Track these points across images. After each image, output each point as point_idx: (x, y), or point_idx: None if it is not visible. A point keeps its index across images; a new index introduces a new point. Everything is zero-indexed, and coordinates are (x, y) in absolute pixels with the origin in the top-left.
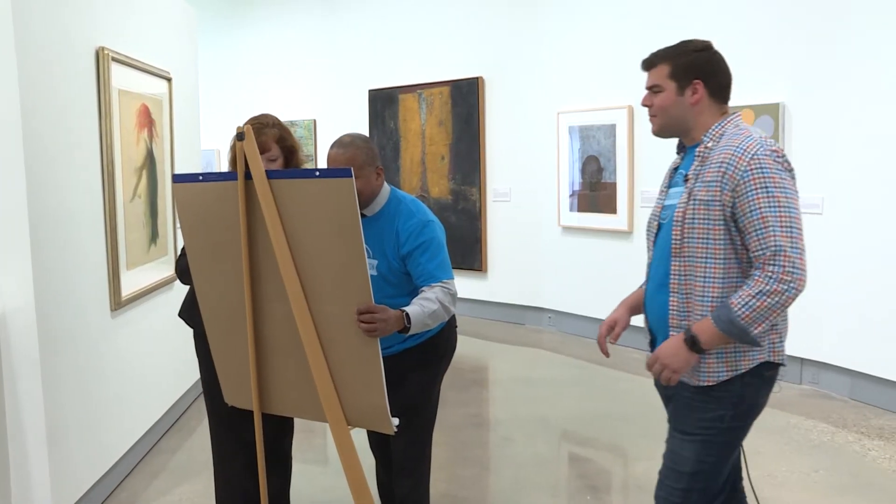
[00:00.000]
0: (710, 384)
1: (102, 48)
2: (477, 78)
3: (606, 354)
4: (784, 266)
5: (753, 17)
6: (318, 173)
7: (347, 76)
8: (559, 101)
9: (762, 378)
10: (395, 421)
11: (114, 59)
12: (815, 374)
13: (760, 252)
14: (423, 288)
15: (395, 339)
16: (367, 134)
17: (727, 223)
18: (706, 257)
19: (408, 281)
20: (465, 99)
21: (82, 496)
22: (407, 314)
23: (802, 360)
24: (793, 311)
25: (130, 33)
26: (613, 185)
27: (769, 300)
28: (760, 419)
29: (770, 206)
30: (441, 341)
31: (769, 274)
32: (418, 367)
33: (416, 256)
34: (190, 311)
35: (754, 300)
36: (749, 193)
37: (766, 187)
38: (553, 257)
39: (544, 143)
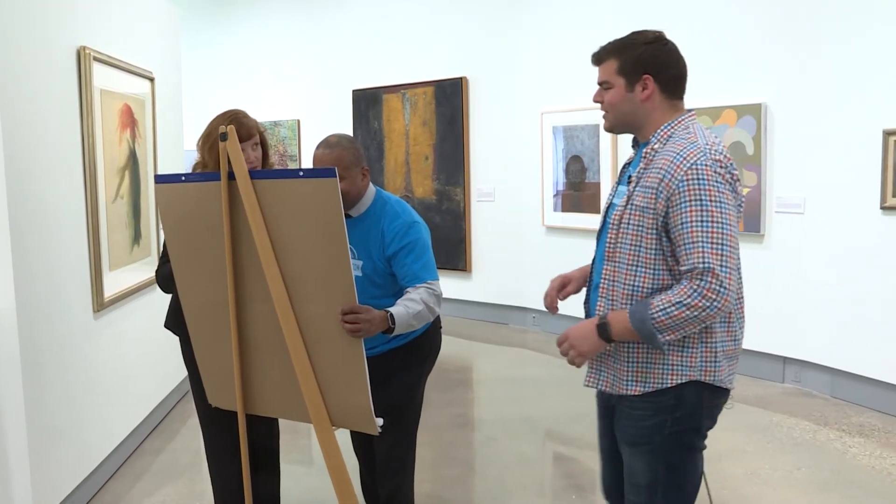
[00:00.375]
0: (636, 393)
1: (84, 47)
2: (461, 78)
3: (554, 310)
4: (711, 284)
5: (736, 17)
6: (301, 173)
7: (331, 76)
8: (543, 101)
9: (701, 387)
10: (380, 421)
11: (95, 59)
12: (797, 372)
13: (688, 267)
14: (408, 289)
15: (380, 339)
16: (351, 134)
17: (659, 232)
18: (636, 265)
19: (393, 282)
20: (448, 99)
21: (65, 498)
22: (391, 315)
23: (785, 358)
24: (775, 311)
25: (112, 32)
26: (597, 185)
27: (688, 313)
28: (743, 418)
29: (702, 221)
30: (425, 342)
31: (695, 287)
32: (403, 368)
33: (402, 257)
34: (176, 320)
35: (673, 308)
36: (683, 205)
37: (701, 200)
38: (537, 257)
39: (528, 144)
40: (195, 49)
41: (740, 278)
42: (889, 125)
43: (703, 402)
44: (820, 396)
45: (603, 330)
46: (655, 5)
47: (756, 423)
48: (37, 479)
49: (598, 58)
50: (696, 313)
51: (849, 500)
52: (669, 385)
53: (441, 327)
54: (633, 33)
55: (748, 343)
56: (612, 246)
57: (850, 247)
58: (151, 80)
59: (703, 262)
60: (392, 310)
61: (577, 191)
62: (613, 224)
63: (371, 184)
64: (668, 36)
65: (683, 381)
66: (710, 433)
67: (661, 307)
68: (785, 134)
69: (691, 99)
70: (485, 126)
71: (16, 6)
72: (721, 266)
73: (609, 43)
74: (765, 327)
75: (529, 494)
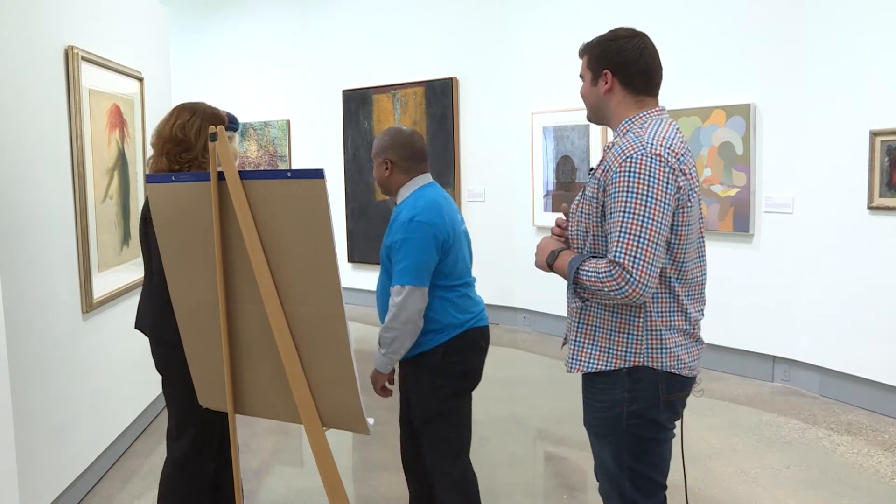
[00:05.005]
0: (580, 371)
1: (72, 47)
2: (451, 78)
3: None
4: (620, 274)
5: (725, 18)
6: (289, 174)
7: (321, 76)
8: (533, 101)
9: (655, 379)
10: (370, 421)
11: (84, 59)
12: (786, 371)
13: (610, 254)
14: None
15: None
16: (341, 134)
17: (602, 220)
18: (588, 251)
19: None
20: (439, 99)
21: (53, 501)
22: (375, 369)
23: (774, 357)
24: (765, 310)
25: (101, 32)
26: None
27: (600, 285)
28: (733, 416)
29: (625, 212)
30: (429, 356)
31: (610, 270)
32: (411, 382)
33: (392, 253)
34: (161, 323)
35: (593, 274)
36: (613, 195)
37: (628, 192)
38: (527, 257)
39: (518, 144)
40: (184, 49)
41: (703, 269)
42: (876, 126)
43: (660, 394)
44: (809, 395)
45: (552, 256)
46: (644, 6)
47: (745, 422)
48: (24, 481)
49: (580, 53)
50: (605, 290)
51: (837, 498)
52: (612, 368)
53: (475, 345)
54: (610, 31)
55: (738, 342)
56: (572, 233)
57: (839, 246)
58: (140, 79)
59: (615, 255)
60: (376, 365)
61: (567, 191)
62: (572, 214)
63: (421, 179)
64: (657, 37)
65: (628, 367)
66: (700, 433)
67: (588, 268)
68: (773, 134)
69: (681, 100)
70: (475, 126)
71: (2, 5)
72: (633, 259)
73: (591, 39)
74: (754, 327)
75: (520, 494)
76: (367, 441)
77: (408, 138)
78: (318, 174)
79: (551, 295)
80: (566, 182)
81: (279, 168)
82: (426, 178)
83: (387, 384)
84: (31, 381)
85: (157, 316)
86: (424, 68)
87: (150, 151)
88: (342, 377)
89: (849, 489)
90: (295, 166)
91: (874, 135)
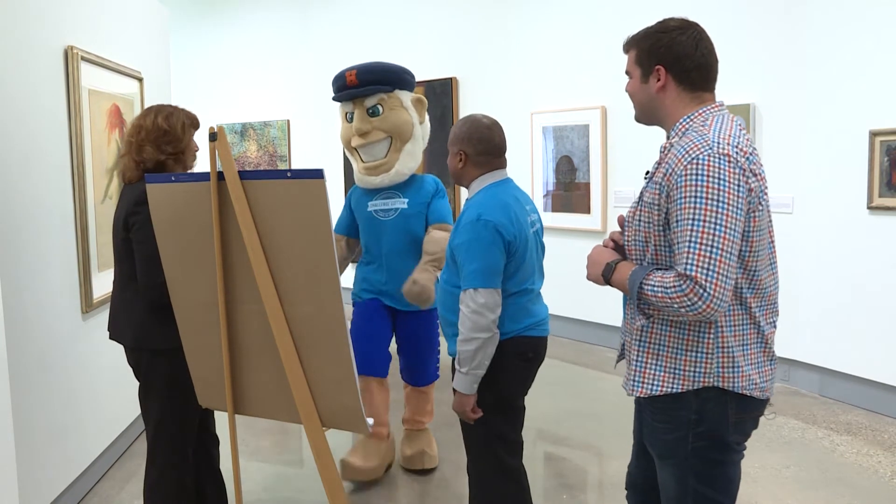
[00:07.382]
0: (643, 395)
1: (72, 47)
2: (451, 78)
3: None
4: (693, 289)
5: (724, 18)
6: (289, 174)
7: (321, 76)
8: (533, 101)
9: (725, 399)
10: (370, 421)
11: (83, 59)
12: (786, 371)
13: (679, 266)
14: None
15: None
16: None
17: (666, 229)
18: (649, 262)
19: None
20: (438, 99)
21: (52, 501)
22: (454, 388)
23: None
24: None
25: (100, 32)
26: (587, 186)
27: (668, 301)
28: None
29: (694, 220)
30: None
31: (680, 285)
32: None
33: (459, 255)
34: (144, 329)
35: (660, 289)
36: (679, 201)
37: (696, 197)
38: None
39: (518, 144)
40: (184, 49)
41: (775, 278)
42: (875, 126)
43: (728, 416)
44: (809, 395)
45: (608, 269)
46: (644, 7)
47: None
48: (24, 481)
49: (625, 47)
50: (674, 306)
51: (836, 498)
52: (680, 390)
53: (520, 355)
54: (659, 22)
55: None
56: (628, 243)
57: (838, 246)
58: (140, 79)
59: (686, 268)
60: (454, 385)
61: (567, 191)
62: (628, 222)
63: (494, 175)
64: None
65: (696, 388)
66: None
67: (652, 283)
68: (773, 134)
69: None
70: None
71: (2, 6)
72: (707, 272)
73: (637, 32)
74: None
75: None
76: None
77: (486, 131)
78: (318, 174)
79: (551, 295)
80: (566, 182)
81: (279, 168)
82: (501, 174)
83: (476, 407)
84: (31, 381)
85: (138, 322)
86: (424, 68)
87: None
88: (342, 377)
89: (848, 489)
90: (295, 166)
91: (874, 135)
